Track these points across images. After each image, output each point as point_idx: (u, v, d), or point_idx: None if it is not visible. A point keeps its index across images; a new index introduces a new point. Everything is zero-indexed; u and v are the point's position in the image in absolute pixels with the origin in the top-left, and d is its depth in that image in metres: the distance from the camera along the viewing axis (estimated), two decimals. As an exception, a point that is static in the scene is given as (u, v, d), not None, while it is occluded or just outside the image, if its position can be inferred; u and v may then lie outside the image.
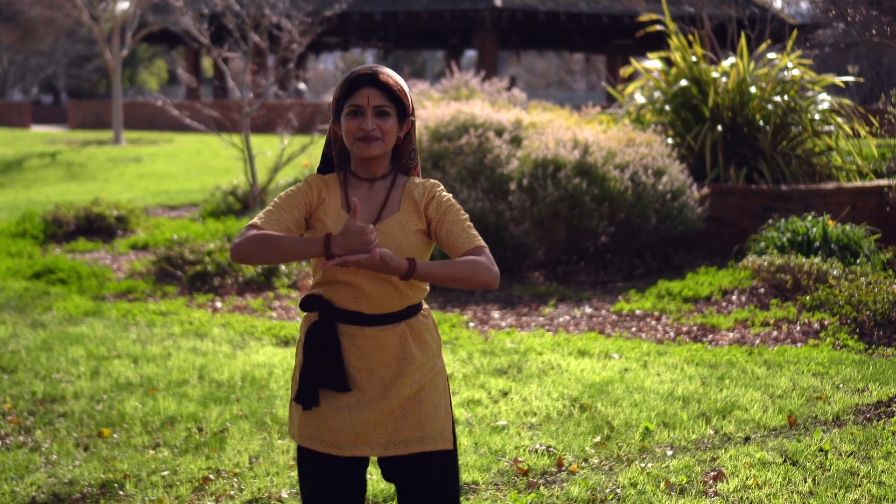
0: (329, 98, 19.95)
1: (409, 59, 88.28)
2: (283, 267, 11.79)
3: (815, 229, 11.49)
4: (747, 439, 6.58)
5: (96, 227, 15.18)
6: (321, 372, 3.72)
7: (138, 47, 64.24)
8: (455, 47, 48.55)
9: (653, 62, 15.51)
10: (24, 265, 12.65)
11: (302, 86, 38.81)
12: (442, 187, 3.85)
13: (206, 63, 54.48)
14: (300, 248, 3.55)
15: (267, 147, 21.12)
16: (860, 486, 5.76)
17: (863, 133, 14.65)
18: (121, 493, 5.87)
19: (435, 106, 13.63)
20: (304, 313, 3.84)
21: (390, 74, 3.77)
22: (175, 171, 24.42)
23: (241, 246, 3.57)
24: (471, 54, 61.54)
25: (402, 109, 3.77)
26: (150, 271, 12.18)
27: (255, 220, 3.65)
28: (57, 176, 24.66)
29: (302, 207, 3.73)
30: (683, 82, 14.55)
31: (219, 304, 10.95)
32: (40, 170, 26.07)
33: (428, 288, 3.85)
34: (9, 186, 22.87)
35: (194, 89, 20.97)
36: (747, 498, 5.61)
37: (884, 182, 13.46)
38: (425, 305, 3.88)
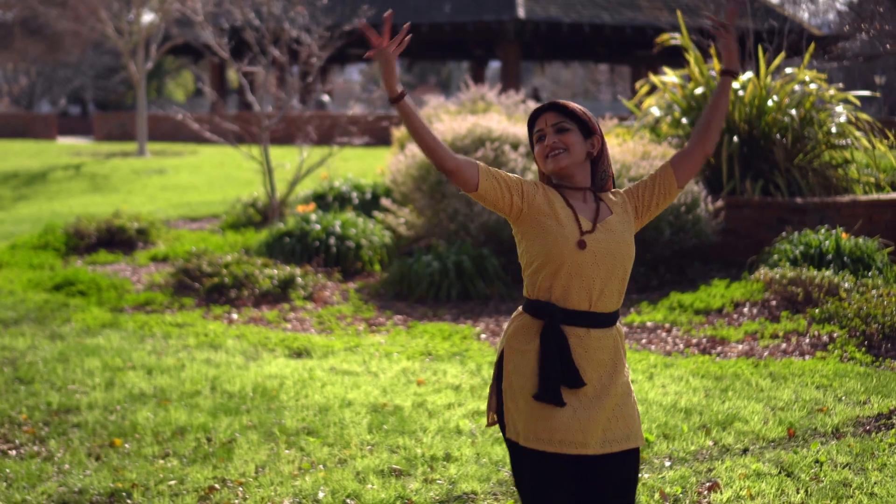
0: (350, 111, 20.15)
1: (434, 71, 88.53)
2: (299, 279, 11.93)
3: (827, 242, 11.55)
4: (745, 451, 6.67)
5: (117, 239, 15.36)
6: (557, 372, 3.98)
7: (165, 59, 64.66)
8: (480, 58, 48.73)
9: (670, 77, 15.59)
10: (45, 277, 12.82)
11: (326, 98, 39.01)
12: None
13: (232, 75, 54.80)
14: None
15: (287, 159, 21.28)
16: (852, 496, 5.85)
17: (881, 147, 14.67)
18: (129, 501, 6.02)
19: (452, 119, 13.75)
20: (518, 318, 4.13)
21: (567, 102, 4.18)
22: (198, 183, 24.60)
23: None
24: (496, 65, 61.70)
25: (584, 127, 4.13)
26: (169, 283, 12.33)
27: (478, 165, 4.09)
28: (81, 188, 24.89)
29: (518, 187, 4.08)
30: (699, 90, 14.63)
31: (235, 316, 11.09)
32: (64, 182, 26.31)
33: None
34: (33, 199, 23.10)
35: (215, 101, 21.20)
36: (740, 509, 5.73)
37: (897, 195, 13.50)
38: None
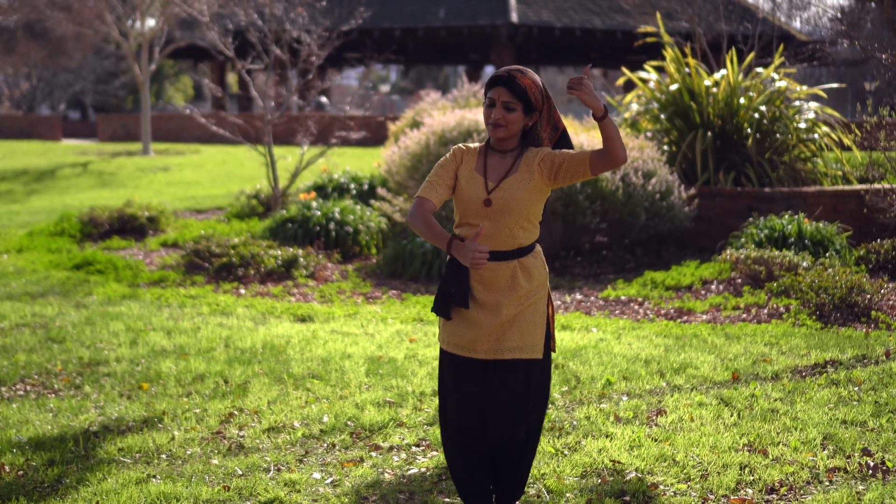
0: (351, 111, 21.10)
1: (430, 75, 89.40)
2: (301, 259, 12.91)
3: (790, 226, 12.50)
4: (693, 389, 7.67)
5: (129, 226, 16.32)
6: (454, 293, 5.06)
7: (164, 64, 65.60)
8: (475, 63, 49.64)
9: (650, 75, 16.54)
10: (65, 259, 13.81)
11: (323, 99, 39.92)
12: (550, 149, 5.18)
13: (232, 79, 55.81)
14: (437, 241, 4.87)
15: (288, 155, 22.21)
16: (778, 420, 6.84)
17: (848, 142, 15.57)
18: (160, 425, 7.03)
19: (440, 114, 14.71)
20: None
21: (524, 76, 4.99)
22: (202, 179, 25.54)
23: (414, 221, 4.93)
24: (490, 70, 62.54)
25: (528, 105, 5.04)
26: (180, 264, 13.31)
27: (423, 192, 4.98)
28: (89, 183, 25.82)
29: (451, 174, 5.06)
30: (675, 87, 15.56)
31: (242, 291, 12.07)
32: (73, 178, 27.26)
33: (538, 233, 5.14)
34: (44, 193, 24.06)
35: (219, 98, 22.06)
36: (681, 427, 6.72)
37: (861, 186, 14.40)
38: (538, 247, 5.18)
